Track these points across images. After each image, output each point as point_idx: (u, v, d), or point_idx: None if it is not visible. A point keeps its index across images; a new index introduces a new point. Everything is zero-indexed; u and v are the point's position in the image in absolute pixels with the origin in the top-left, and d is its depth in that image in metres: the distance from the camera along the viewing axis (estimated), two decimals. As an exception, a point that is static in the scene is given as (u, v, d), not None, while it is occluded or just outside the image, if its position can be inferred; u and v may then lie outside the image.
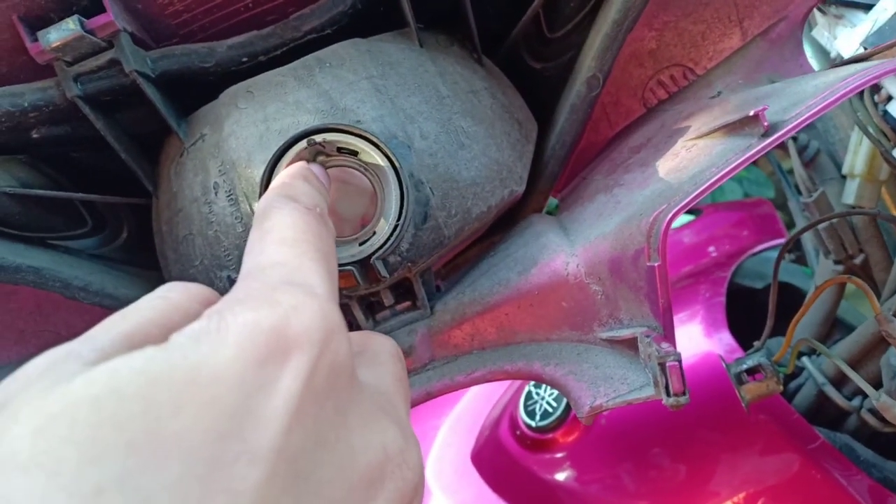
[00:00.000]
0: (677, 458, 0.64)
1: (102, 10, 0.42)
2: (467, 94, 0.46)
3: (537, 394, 0.72)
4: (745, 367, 0.58)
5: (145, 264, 0.55)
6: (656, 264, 0.35)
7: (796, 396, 0.70)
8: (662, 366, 0.33)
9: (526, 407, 0.72)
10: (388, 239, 0.39)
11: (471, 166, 0.44)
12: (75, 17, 0.40)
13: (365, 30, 0.48)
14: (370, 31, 0.48)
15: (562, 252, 0.43)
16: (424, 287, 0.46)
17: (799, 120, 0.33)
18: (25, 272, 0.45)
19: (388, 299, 0.45)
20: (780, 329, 0.62)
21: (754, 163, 2.08)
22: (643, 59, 0.51)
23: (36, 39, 0.41)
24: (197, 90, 0.47)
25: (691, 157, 0.40)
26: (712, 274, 0.84)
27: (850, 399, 0.64)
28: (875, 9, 0.53)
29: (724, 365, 0.59)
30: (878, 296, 0.66)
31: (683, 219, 1.06)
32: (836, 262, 0.71)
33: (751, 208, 1.07)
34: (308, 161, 0.39)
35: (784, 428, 0.61)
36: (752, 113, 0.34)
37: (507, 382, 0.80)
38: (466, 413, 0.82)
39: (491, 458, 0.74)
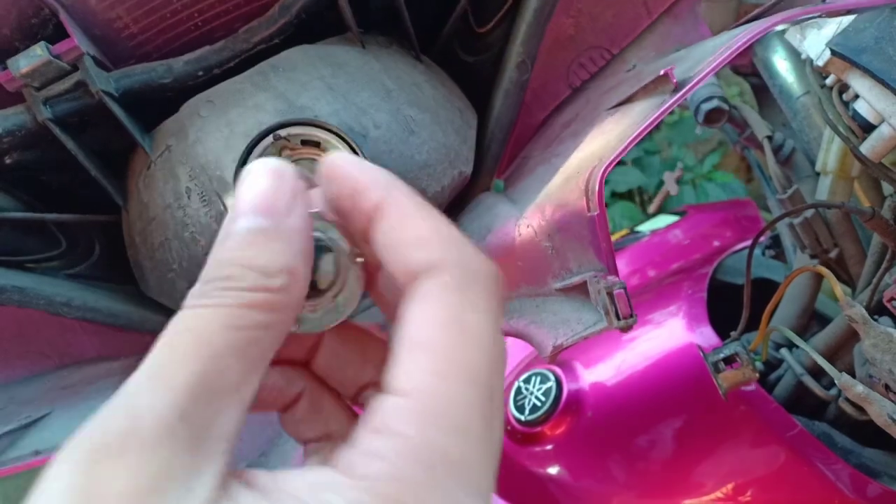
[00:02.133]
0: (661, 448, 0.67)
1: (63, 36, 0.45)
2: (411, 87, 0.50)
3: (526, 389, 0.74)
4: (721, 356, 0.60)
5: (117, 279, 0.57)
6: (595, 213, 0.40)
7: (776, 387, 0.72)
8: (610, 294, 0.37)
9: (515, 402, 0.74)
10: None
11: (421, 150, 0.48)
12: (42, 43, 0.43)
13: (310, 37, 0.52)
14: (315, 38, 0.52)
15: (512, 218, 0.47)
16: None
17: (702, 74, 0.39)
18: (10, 292, 0.47)
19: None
20: (759, 322, 0.64)
21: (733, 171, 2.13)
22: (565, 44, 0.57)
23: (5, 68, 0.44)
24: (156, 106, 0.51)
25: (616, 121, 0.45)
26: (695, 271, 0.86)
27: (828, 389, 0.65)
28: None
29: (701, 354, 0.62)
30: (854, 289, 0.69)
31: (668, 219, 1.09)
32: (812, 257, 0.72)
33: (734, 208, 1.10)
34: (277, 156, 0.43)
35: (763, 417, 0.64)
36: (661, 73, 0.40)
37: None
38: None
39: None
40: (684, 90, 0.39)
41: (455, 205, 0.57)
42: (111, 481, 0.19)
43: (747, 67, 0.85)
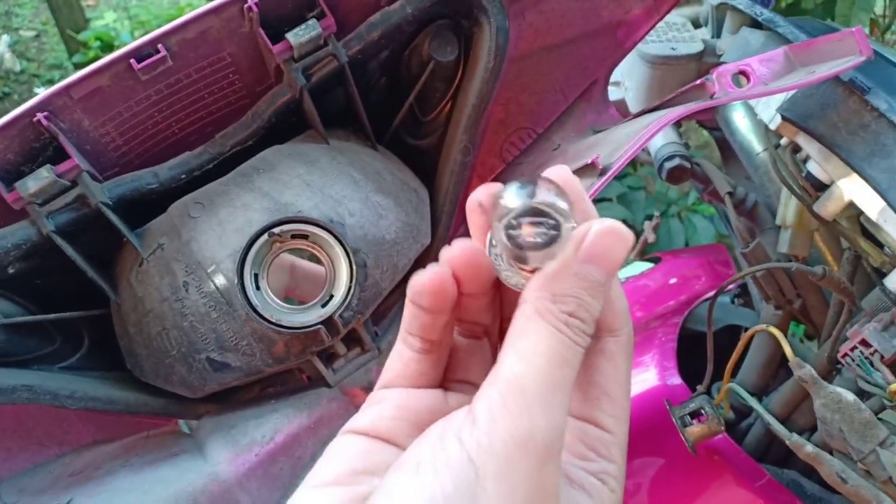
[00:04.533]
0: (635, 499, 0.69)
1: (62, 156, 0.50)
2: (374, 175, 0.58)
3: None
4: (687, 410, 0.62)
5: (105, 367, 0.61)
6: None
7: (747, 435, 0.73)
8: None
9: None
10: (345, 298, 0.50)
11: (390, 230, 0.55)
12: (47, 166, 0.48)
13: (279, 136, 0.59)
14: (283, 136, 0.59)
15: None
16: (368, 333, 0.57)
17: (620, 162, 0.49)
18: (20, 391, 0.51)
19: (341, 349, 0.56)
20: (733, 371, 0.67)
21: (716, 210, 2.08)
22: (496, 127, 0.66)
23: (12, 189, 0.48)
24: (142, 206, 0.56)
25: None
26: (668, 320, 0.88)
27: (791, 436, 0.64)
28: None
29: (668, 408, 0.64)
30: (819, 338, 0.71)
31: (642, 266, 1.11)
32: (777, 308, 0.74)
33: (707, 254, 1.12)
34: (270, 249, 0.49)
35: (733, 466, 0.65)
36: (589, 161, 0.49)
37: None
38: None
39: None
40: (608, 175, 0.49)
41: (413, 270, 0.65)
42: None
43: (711, 122, 0.87)
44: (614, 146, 0.52)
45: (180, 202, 0.55)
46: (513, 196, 0.27)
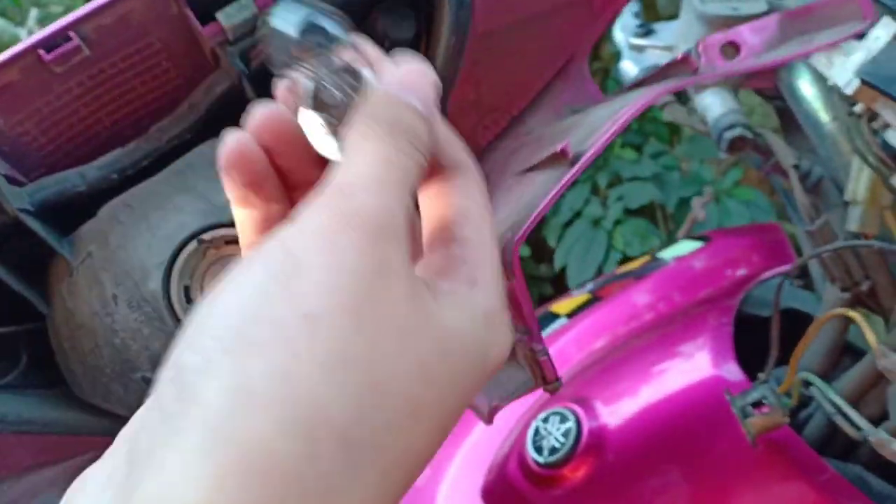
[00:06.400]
0: (686, 494, 0.65)
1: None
2: (327, 169, 0.52)
3: (545, 429, 0.71)
4: (749, 399, 0.58)
5: (46, 384, 0.56)
6: (513, 282, 0.43)
7: (807, 426, 0.69)
8: (536, 361, 0.41)
9: (534, 443, 0.70)
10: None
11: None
12: (-49, 172, 0.43)
13: (220, 128, 0.53)
14: (226, 128, 0.54)
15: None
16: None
17: (594, 148, 0.43)
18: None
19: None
20: (788, 357, 0.62)
21: (755, 187, 1.92)
22: (468, 109, 0.60)
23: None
24: (72, 211, 0.51)
25: (522, 190, 0.48)
26: (720, 303, 0.82)
27: (860, 429, 0.60)
28: (868, 37, 0.52)
29: (728, 398, 0.59)
30: (887, 321, 0.66)
31: (691, 245, 1.03)
32: (843, 290, 0.68)
33: (760, 233, 1.05)
34: (201, 258, 0.44)
35: (793, 461, 0.61)
36: (558, 149, 0.43)
37: (515, 417, 0.79)
38: (477, 448, 0.80)
39: (501, 495, 0.73)
40: (579, 164, 0.43)
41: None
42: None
43: (772, 91, 0.80)
44: (589, 130, 0.46)
45: (110, 204, 0.50)
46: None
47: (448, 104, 0.58)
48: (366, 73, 0.29)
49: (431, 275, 0.28)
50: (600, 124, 0.46)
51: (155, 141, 0.52)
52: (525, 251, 1.90)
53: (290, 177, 0.32)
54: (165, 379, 0.23)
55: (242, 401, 0.21)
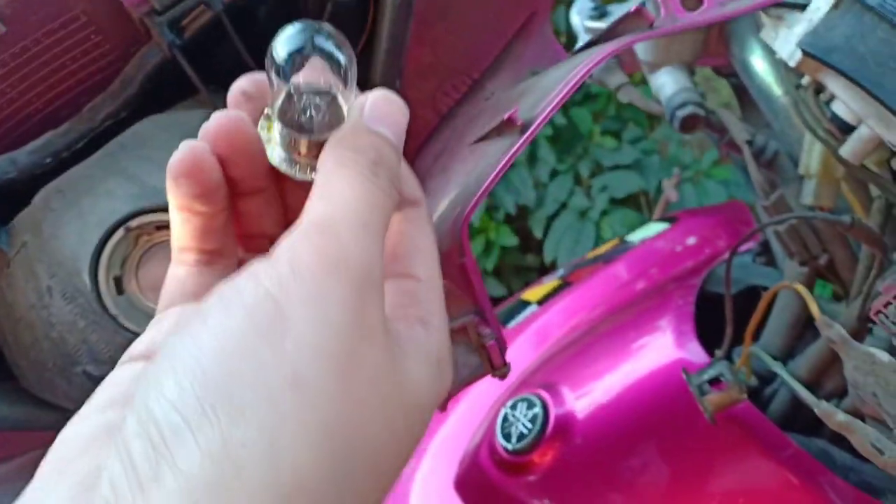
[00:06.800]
0: (652, 474, 0.65)
1: None
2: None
3: (513, 416, 0.71)
4: (706, 377, 0.58)
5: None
6: (464, 260, 0.40)
7: (772, 402, 0.69)
8: (483, 346, 0.38)
9: (503, 430, 0.71)
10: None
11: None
12: None
13: (160, 104, 0.50)
14: (166, 104, 0.51)
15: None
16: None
17: (544, 115, 0.40)
18: None
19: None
20: (755, 333, 0.62)
21: (734, 164, 1.98)
22: (426, 73, 0.57)
23: None
24: (7, 199, 0.48)
25: (475, 160, 0.45)
26: (684, 282, 0.82)
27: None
28: (809, 9, 0.52)
29: (685, 376, 0.59)
30: (847, 294, 0.66)
31: (658, 227, 1.04)
32: (801, 264, 0.68)
33: (726, 212, 1.05)
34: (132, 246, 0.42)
35: (756, 437, 0.61)
36: (506, 117, 0.40)
37: (486, 407, 0.80)
38: (449, 440, 0.80)
39: (473, 485, 0.73)
40: (529, 132, 0.40)
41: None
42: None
43: (727, 68, 0.80)
44: (541, 94, 0.43)
45: (43, 191, 0.47)
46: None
47: (405, 69, 0.55)
48: (340, 96, 0.29)
49: (388, 310, 0.28)
50: (553, 87, 0.42)
51: (88, 121, 0.49)
52: (511, 241, 1.91)
53: (239, 185, 0.31)
54: (134, 428, 0.22)
55: (228, 473, 0.21)
